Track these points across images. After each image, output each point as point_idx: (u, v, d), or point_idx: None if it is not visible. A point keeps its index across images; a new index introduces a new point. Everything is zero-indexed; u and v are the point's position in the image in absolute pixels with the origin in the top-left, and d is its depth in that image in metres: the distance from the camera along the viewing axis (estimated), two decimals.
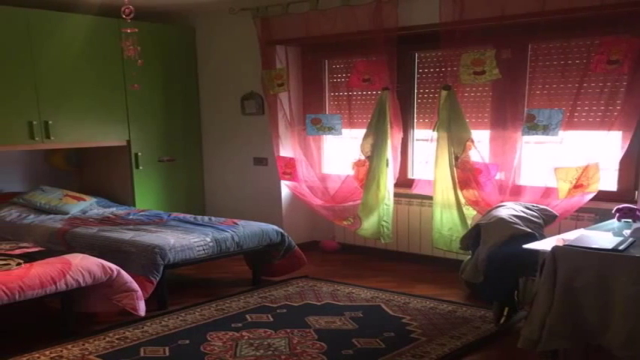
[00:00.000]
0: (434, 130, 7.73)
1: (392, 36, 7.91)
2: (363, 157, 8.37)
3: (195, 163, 10.12)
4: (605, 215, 6.64)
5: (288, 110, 9.09)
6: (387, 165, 8.20)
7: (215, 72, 9.80)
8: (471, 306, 6.82)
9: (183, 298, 7.22)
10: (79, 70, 8.53)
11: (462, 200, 7.61)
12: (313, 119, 8.94)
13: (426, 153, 8.07)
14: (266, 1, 8.67)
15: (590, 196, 6.95)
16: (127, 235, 7.25)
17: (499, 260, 5.84)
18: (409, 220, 8.62)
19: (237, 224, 7.74)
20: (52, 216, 8.36)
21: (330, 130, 8.86)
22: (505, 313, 6.15)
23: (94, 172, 9.75)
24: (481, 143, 7.63)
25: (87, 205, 8.85)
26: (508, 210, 6.28)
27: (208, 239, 7.20)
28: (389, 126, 8.12)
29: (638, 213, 6.04)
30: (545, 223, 6.35)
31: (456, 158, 7.51)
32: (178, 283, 7.74)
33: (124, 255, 6.79)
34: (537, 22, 6.86)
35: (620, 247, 4.76)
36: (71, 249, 7.02)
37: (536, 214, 6.34)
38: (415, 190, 8.26)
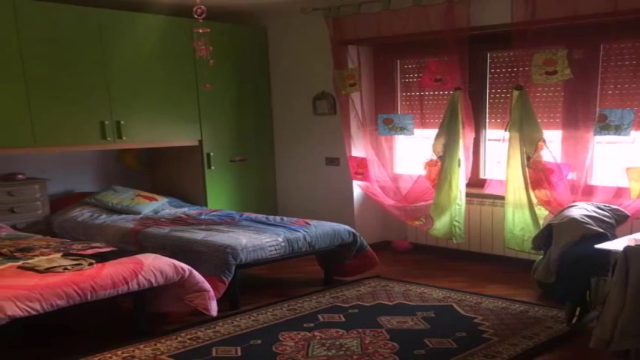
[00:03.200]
0: (506, 130, 7.69)
1: (464, 36, 7.89)
2: (435, 157, 8.34)
3: (267, 163, 10.17)
4: None
5: (360, 110, 9.11)
6: (459, 165, 8.17)
7: (287, 72, 9.85)
8: (543, 306, 6.76)
9: (255, 298, 7.26)
10: (150, 70, 8.63)
11: (534, 200, 7.56)
12: (385, 119, 8.95)
13: (498, 153, 8.05)
14: (338, 1, 8.70)
15: None
16: (199, 235, 7.31)
17: (571, 260, 5.81)
18: (481, 220, 8.59)
19: (309, 224, 7.76)
20: (124, 216, 8.48)
21: (402, 130, 8.87)
22: (577, 313, 6.08)
23: (166, 172, 9.87)
24: (553, 143, 7.56)
25: (159, 205, 8.96)
26: (580, 210, 6.24)
27: (280, 239, 7.23)
28: (461, 126, 8.09)
29: None
30: (617, 223, 6.30)
31: (528, 158, 7.46)
32: (250, 283, 7.80)
33: (195, 255, 6.85)
34: (609, 22, 6.79)
35: None
36: (143, 249, 7.10)
37: (608, 214, 6.29)
38: (487, 190, 8.24)
